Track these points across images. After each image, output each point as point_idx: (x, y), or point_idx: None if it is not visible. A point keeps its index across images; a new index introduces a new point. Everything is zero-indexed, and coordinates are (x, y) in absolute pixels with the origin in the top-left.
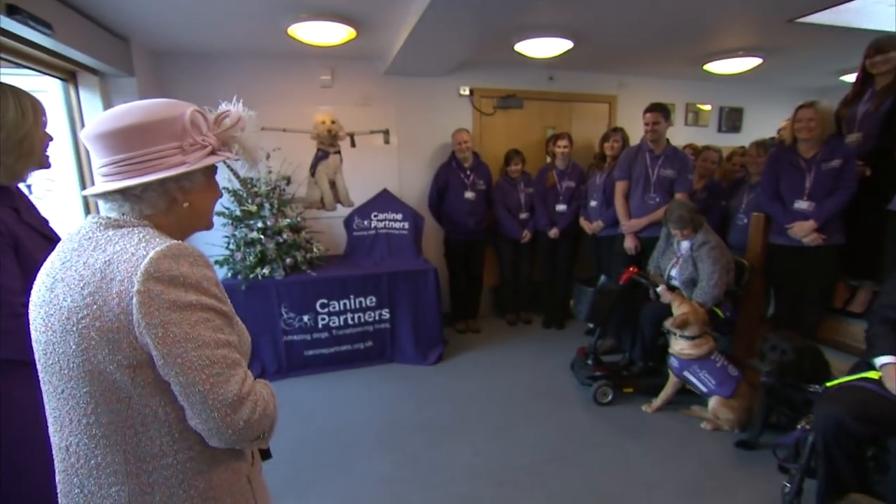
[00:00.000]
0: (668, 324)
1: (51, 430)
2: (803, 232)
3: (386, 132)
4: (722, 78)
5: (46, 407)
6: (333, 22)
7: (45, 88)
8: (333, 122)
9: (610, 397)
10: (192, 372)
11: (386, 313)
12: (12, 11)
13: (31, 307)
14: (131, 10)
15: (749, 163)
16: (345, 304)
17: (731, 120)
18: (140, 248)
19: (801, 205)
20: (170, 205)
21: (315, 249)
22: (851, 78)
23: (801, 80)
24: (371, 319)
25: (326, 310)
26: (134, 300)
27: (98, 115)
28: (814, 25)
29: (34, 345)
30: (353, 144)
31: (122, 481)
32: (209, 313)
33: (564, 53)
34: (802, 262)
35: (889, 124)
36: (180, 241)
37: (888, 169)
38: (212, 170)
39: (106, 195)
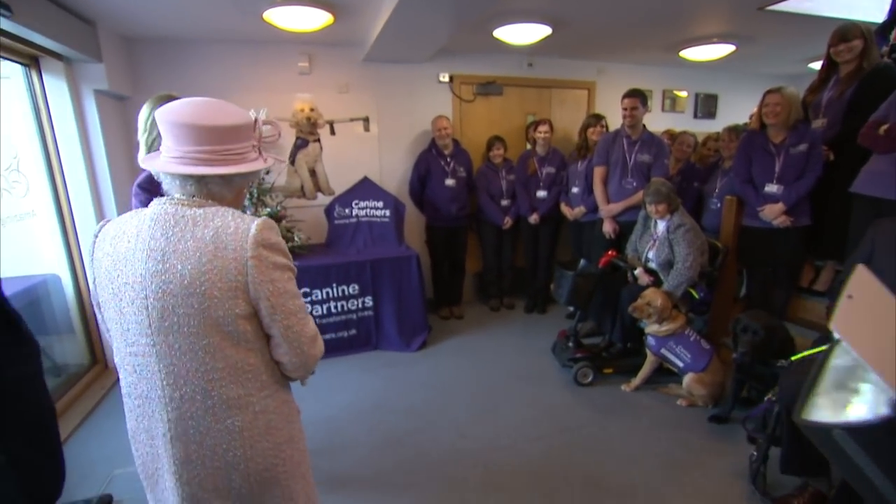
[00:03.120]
0: (630, 309)
1: (160, 385)
2: (773, 214)
3: (366, 119)
4: (697, 65)
5: (154, 367)
6: (310, 7)
7: (6, 75)
8: (312, 110)
9: (590, 378)
10: (292, 316)
11: (369, 301)
12: None
13: (130, 279)
14: None
15: (722, 147)
16: (328, 293)
17: (707, 106)
18: (238, 222)
19: (772, 188)
20: (238, 192)
21: (296, 238)
22: (818, 65)
23: (771, 67)
24: (354, 307)
25: (309, 299)
26: (249, 263)
27: (193, 107)
28: (782, 13)
29: (137, 312)
30: (332, 132)
31: (235, 414)
32: (291, 273)
33: (543, 40)
34: (773, 243)
35: (851, 110)
36: (264, 217)
37: (851, 153)
38: None
39: (209, 177)
